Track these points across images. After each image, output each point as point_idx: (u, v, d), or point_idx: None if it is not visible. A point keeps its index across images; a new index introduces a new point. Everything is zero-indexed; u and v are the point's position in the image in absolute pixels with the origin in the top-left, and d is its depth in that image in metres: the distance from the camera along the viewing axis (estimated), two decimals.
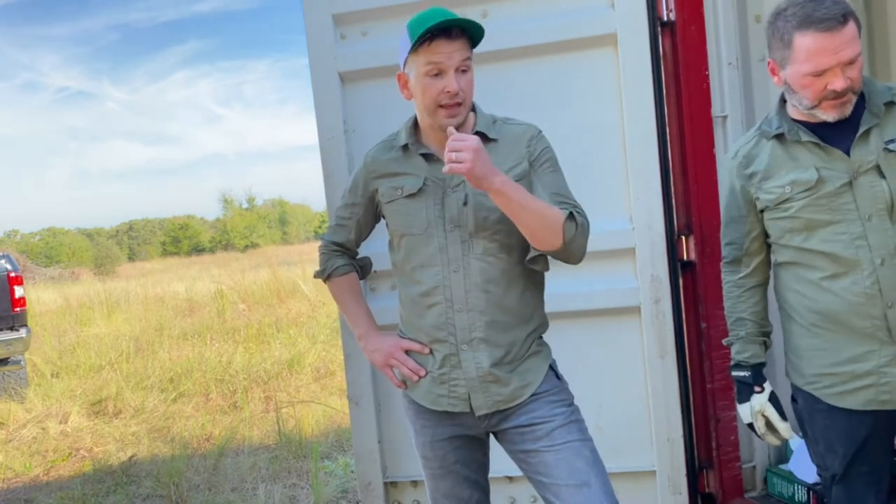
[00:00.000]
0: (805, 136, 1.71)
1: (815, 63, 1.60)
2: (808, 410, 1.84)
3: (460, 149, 1.58)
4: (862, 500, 1.76)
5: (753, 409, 1.91)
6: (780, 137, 1.76)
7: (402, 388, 1.92)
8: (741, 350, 1.93)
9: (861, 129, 1.66)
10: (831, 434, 1.79)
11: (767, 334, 1.94)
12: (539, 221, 1.66)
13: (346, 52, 2.59)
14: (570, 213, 1.69)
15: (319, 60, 2.58)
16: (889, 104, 1.68)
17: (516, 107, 2.35)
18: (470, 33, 1.71)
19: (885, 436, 1.76)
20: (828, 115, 1.66)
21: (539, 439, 1.77)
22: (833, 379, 1.76)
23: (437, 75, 1.69)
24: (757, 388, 1.90)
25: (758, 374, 1.90)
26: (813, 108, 1.67)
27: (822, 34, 1.58)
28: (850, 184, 1.67)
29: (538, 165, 1.78)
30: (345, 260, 2.00)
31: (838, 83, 1.61)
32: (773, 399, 1.91)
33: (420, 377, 1.84)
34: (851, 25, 1.59)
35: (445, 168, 1.61)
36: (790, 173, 1.73)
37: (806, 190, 1.70)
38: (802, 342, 1.82)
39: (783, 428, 1.88)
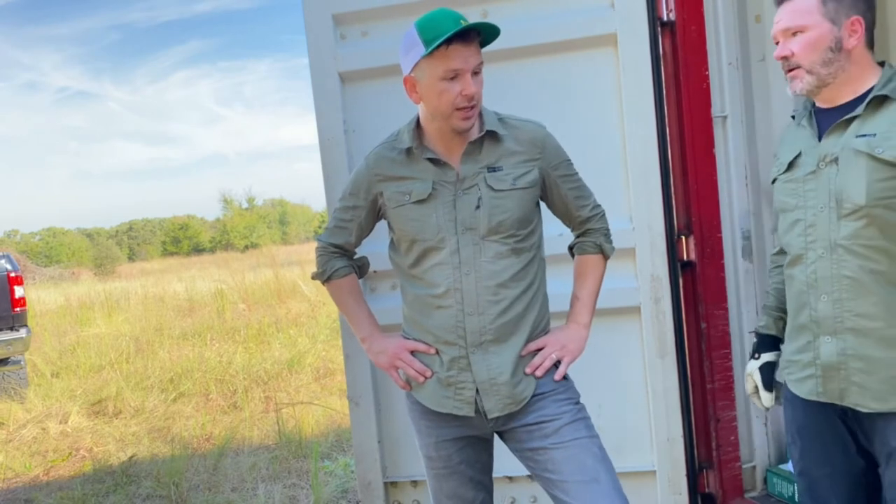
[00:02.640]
0: (804, 120, 1.73)
1: (772, 34, 1.69)
2: (783, 399, 1.87)
3: (558, 354, 1.84)
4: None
5: (746, 371, 1.98)
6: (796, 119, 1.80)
7: (407, 390, 1.91)
8: (759, 318, 2.00)
9: (840, 119, 1.64)
10: (792, 425, 1.82)
11: (785, 311, 1.93)
12: (599, 286, 1.97)
13: (346, 52, 2.59)
14: (603, 238, 1.93)
15: (319, 60, 2.58)
16: (882, 98, 1.61)
17: (516, 107, 2.33)
18: (484, 35, 1.71)
19: (839, 434, 1.72)
20: (789, 91, 1.70)
21: (547, 437, 1.77)
22: (793, 366, 1.78)
23: (453, 79, 1.68)
24: (755, 356, 1.95)
25: (761, 343, 1.95)
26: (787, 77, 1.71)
27: (777, 7, 1.68)
28: (814, 172, 1.67)
29: (558, 174, 1.84)
30: (343, 262, 1.98)
31: (776, 50, 1.66)
32: (765, 369, 1.94)
33: (426, 378, 1.84)
34: (802, 0, 1.62)
35: (558, 375, 1.84)
36: (785, 154, 1.77)
37: (783, 172, 1.74)
38: (787, 329, 1.85)
39: (764, 397, 1.93)
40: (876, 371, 1.60)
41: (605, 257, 1.94)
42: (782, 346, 1.89)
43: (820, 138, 1.67)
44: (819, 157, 1.66)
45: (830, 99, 1.67)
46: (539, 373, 1.79)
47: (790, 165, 1.72)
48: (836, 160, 1.63)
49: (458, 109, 1.69)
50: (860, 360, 1.62)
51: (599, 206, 1.94)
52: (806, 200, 1.68)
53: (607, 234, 1.94)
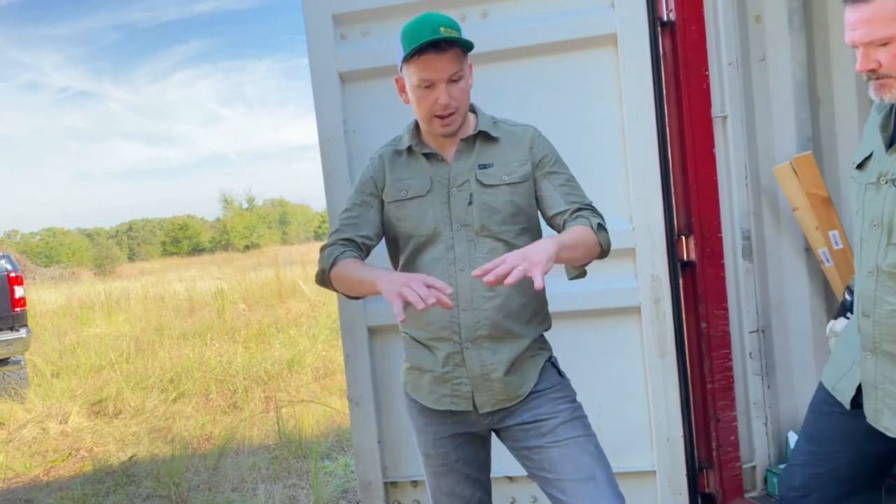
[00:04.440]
0: (882, 118, 1.58)
1: (846, 35, 1.50)
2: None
3: (515, 265, 1.50)
4: (791, 478, 1.75)
5: (831, 328, 1.89)
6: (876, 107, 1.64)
7: (401, 320, 1.63)
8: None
9: None
10: (813, 404, 1.80)
11: None
12: (584, 251, 1.71)
13: (346, 52, 2.59)
14: (598, 224, 1.74)
15: (319, 60, 2.58)
16: None
17: (516, 107, 2.35)
18: (459, 43, 1.71)
19: (843, 431, 1.69)
20: (873, 96, 1.52)
21: (544, 435, 1.77)
22: (835, 350, 1.74)
23: (428, 87, 1.71)
24: (847, 315, 1.84)
25: (853, 302, 1.83)
26: (867, 82, 1.53)
27: (847, 7, 1.49)
28: (875, 184, 1.55)
29: (546, 167, 1.81)
30: (345, 248, 1.82)
31: (858, 62, 1.49)
32: None
33: (428, 305, 1.58)
34: (881, 4, 1.43)
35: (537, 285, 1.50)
36: (863, 147, 1.63)
37: (855, 168, 1.62)
38: None
39: None
40: None
41: (600, 245, 1.75)
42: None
43: (890, 146, 1.53)
44: (881, 170, 1.53)
45: None
46: (490, 278, 1.52)
47: (859, 166, 1.59)
48: (894, 181, 1.50)
49: (436, 116, 1.73)
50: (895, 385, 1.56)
51: (591, 204, 1.82)
52: (864, 210, 1.58)
53: (603, 224, 1.78)
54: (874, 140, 1.59)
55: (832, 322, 1.92)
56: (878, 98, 1.52)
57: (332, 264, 1.81)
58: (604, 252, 1.78)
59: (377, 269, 1.74)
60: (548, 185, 1.80)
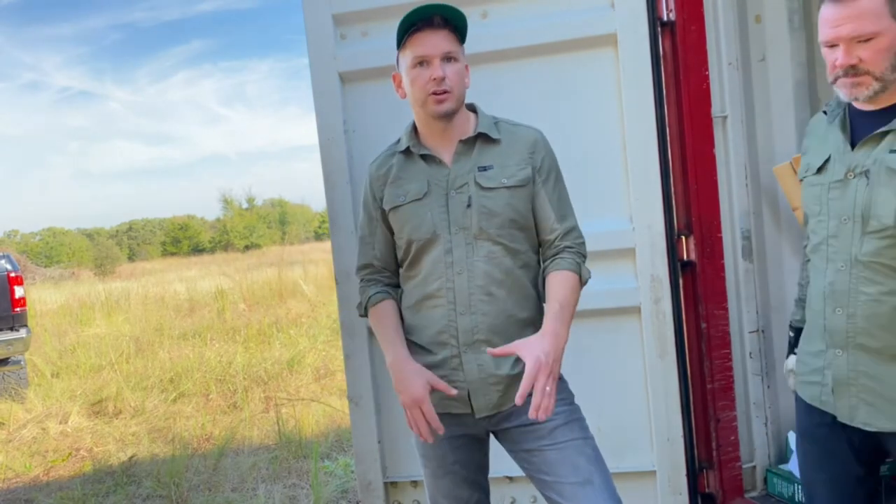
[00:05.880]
0: (837, 121, 1.64)
1: (822, 33, 1.55)
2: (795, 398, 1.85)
3: (543, 388, 1.60)
4: None
5: (787, 366, 1.94)
6: (828, 115, 1.70)
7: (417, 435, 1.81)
8: (794, 312, 1.93)
9: (876, 130, 1.55)
10: (797, 425, 1.81)
11: None
12: (575, 303, 1.76)
13: (346, 52, 2.59)
14: (579, 263, 1.78)
15: (319, 60, 2.58)
16: None
17: (517, 107, 2.35)
18: (454, 24, 1.74)
19: (838, 441, 1.69)
20: (842, 93, 1.58)
21: (541, 438, 1.77)
22: (802, 367, 1.76)
23: (422, 65, 1.73)
24: (795, 350, 1.89)
25: (798, 337, 1.87)
26: (833, 83, 1.58)
27: (832, 5, 1.53)
28: (842, 181, 1.60)
29: (543, 176, 1.81)
30: (377, 287, 1.91)
31: (840, 58, 1.53)
32: None
33: (431, 441, 1.78)
34: (867, 1, 1.48)
35: (538, 414, 1.60)
36: (814, 155, 1.69)
37: (814, 174, 1.67)
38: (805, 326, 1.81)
39: None
40: (888, 390, 1.56)
41: (582, 282, 1.79)
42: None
43: (853, 145, 1.59)
44: (848, 166, 1.59)
45: (874, 101, 1.57)
46: (542, 416, 1.61)
47: (819, 170, 1.66)
48: (866, 173, 1.55)
49: (430, 94, 1.73)
50: (871, 378, 1.58)
51: (581, 234, 1.85)
52: (829, 209, 1.62)
53: (583, 261, 1.82)
54: (830, 142, 1.65)
55: (786, 361, 1.96)
56: (851, 97, 1.57)
57: (365, 309, 1.92)
58: (583, 284, 1.81)
59: (390, 344, 1.83)
60: (542, 197, 1.80)
